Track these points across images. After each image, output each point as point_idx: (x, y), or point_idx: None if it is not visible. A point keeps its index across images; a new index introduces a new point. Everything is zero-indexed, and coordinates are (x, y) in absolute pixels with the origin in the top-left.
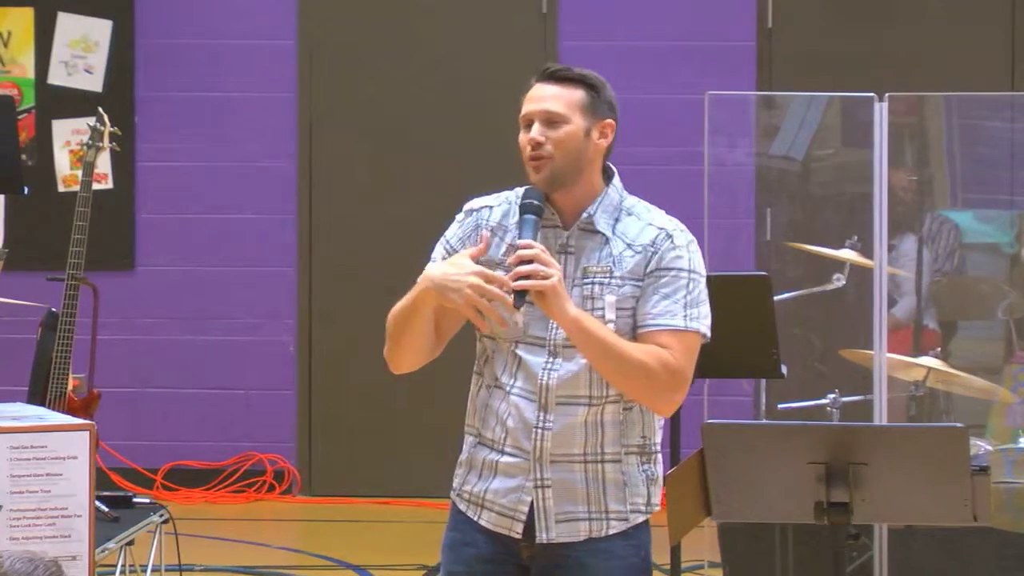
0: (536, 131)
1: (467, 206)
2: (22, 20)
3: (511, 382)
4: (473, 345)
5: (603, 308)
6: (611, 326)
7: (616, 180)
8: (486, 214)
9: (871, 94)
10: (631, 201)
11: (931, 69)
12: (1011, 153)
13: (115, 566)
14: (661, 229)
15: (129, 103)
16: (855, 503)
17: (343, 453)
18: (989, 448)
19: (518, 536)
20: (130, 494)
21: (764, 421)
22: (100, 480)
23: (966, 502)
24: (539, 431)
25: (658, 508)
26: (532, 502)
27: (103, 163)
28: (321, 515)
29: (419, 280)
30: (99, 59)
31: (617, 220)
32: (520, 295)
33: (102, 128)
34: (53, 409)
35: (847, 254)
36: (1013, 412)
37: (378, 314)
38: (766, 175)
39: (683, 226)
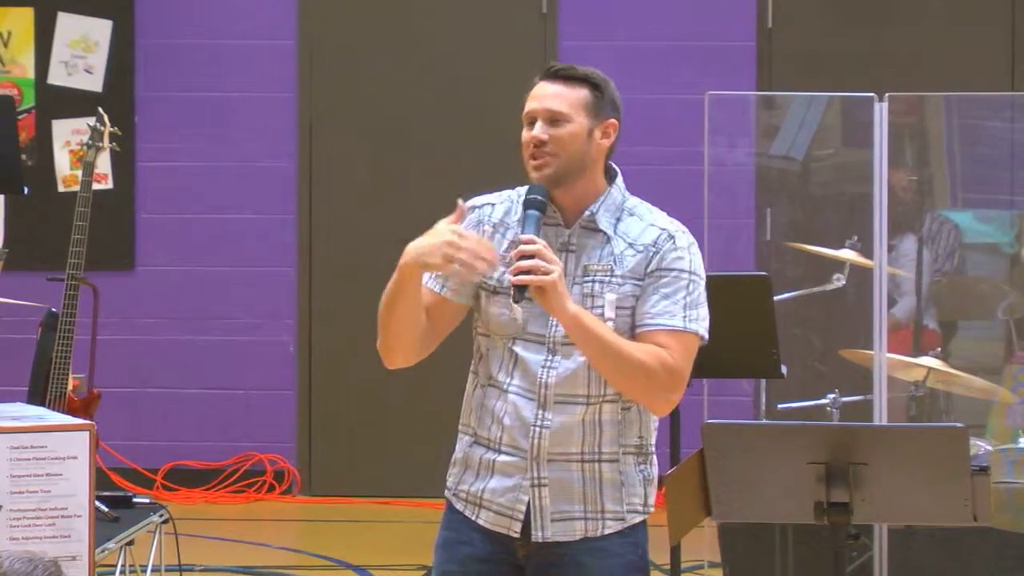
0: (539, 129)
1: (468, 203)
2: (22, 20)
3: (508, 380)
4: (471, 345)
5: (603, 306)
6: (610, 324)
7: (619, 180)
8: (488, 211)
9: (871, 94)
10: (633, 202)
11: (931, 69)
12: (1011, 153)
13: (115, 566)
14: (663, 230)
15: (129, 103)
16: (855, 503)
17: (343, 453)
18: (989, 448)
19: (516, 535)
20: (130, 494)
21: (764, 421)
22: (100, 480)
23: (966, 502)
24: (537, 429)
25: (654, 509)
26: (529, 501)
27: (103, 163)
28: (321, 515)
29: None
30: (99, 59)
31: (619, 220)
32: (520, 290)
33: (102, 128)
34: (53, 409)
35: (847, 254)
36: (1013, 412)
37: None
38: (766, 175)
39: (685, 228)
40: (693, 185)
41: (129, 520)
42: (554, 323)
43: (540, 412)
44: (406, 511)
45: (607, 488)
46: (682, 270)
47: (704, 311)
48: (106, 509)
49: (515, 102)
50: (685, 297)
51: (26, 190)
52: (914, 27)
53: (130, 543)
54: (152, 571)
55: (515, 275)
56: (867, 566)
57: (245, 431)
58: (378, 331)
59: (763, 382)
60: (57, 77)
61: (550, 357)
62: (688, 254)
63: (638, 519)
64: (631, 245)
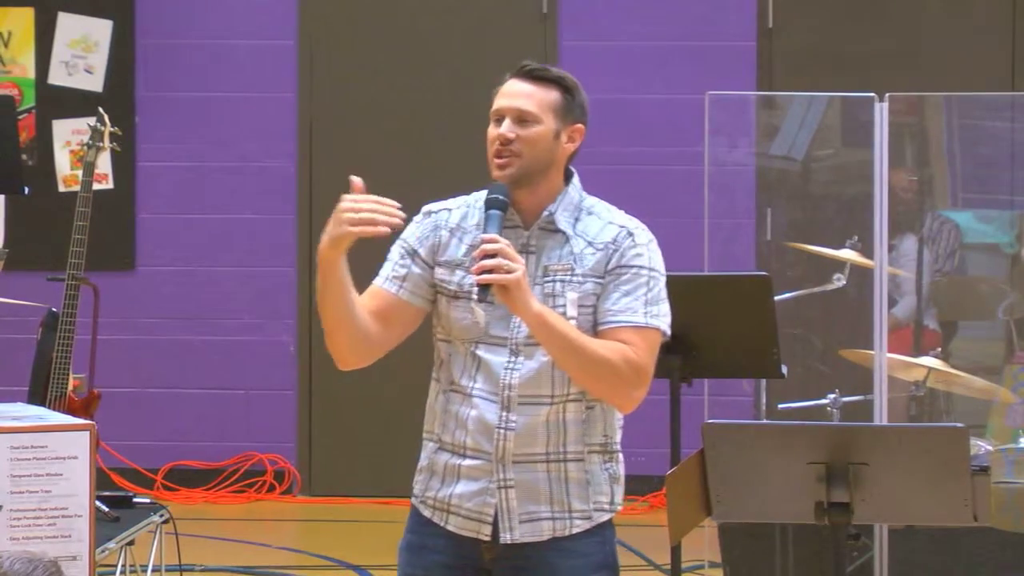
0: (507, 127)
1: (425, 208)
2: (22, 20)
3: (471, 384)
4: None
5: (564, 305)
6: (573, 323)
7: (576, 180)
8: (445, 216)
9: (871, 94)
10: (591, 201)
11: (931, 69)
12: (1011, 153)
13: (115, 566)
14: (622, 227)
15: (129, 103)
16: (855, 503)
17: (343, 453)
18: (989, 448)
19: (486, 539)
20: (130, 494)
21: (764, 421)
22: (100, 480)
23: (966, 502)
24: (501, 431)
25: (621, 507)
26: (496, 503)
27: (103, 163)
28: (321, 515)
29: None
30: (99, 59)
31: (577, 219)
32: (484, 289)
33: (102, 128)
34: (53, 409)
35: (847, 254)
36: (1013, 412)
37: None
38: (766, 175)
39: (644, 225)
40: (693, 185)
41: (129, 520)
42: (517, 324)
43: (504, 414)
44: (406, 511)
45: (573, 487)
46: (642, 267)
47: (665, 307)
48: (106, 509)
49: None
50: (646, 293)
51: (26, 190)
52: (914, 27)
53: (130, 543)
54: (152, 571)
55: (478, 274)
56: (867, 566)
57: (245, 431)
58: None
59: (763, 382)
60: (57, 77)
61: (513, 359)
62: (647, 250)
63: (605, 517)
64: (591, 244)
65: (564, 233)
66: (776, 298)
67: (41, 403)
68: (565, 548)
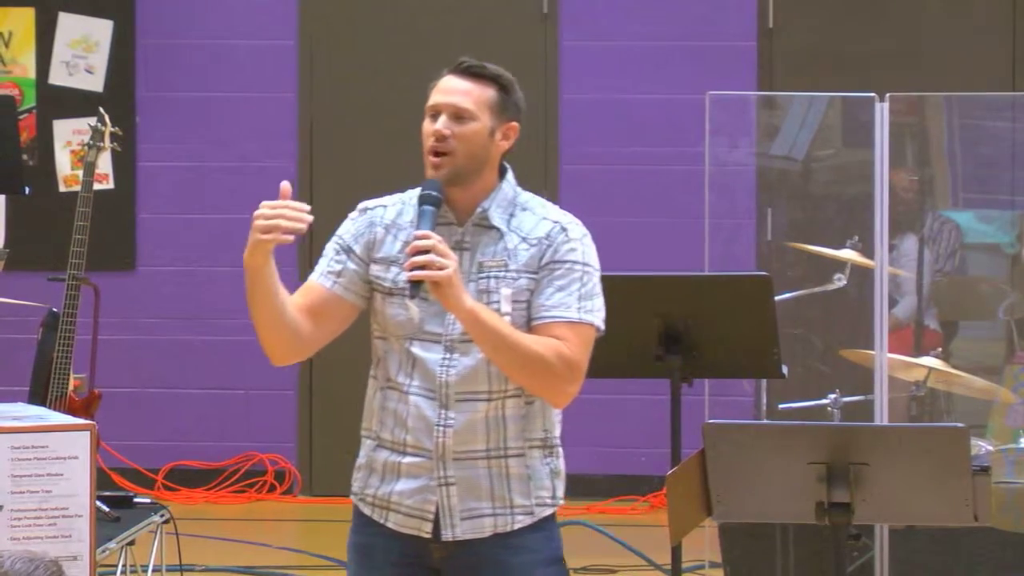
0: (442, 123)
1: (361, 205)
2: (23, 20)
3: (408, 382)
4: None
5: (499, 301)
6: (507, 319)
7: (510, 176)
8: (380, 213)
9: (872, 94)
10: (525, 196)
11: (931, 69)
12: (1012, 153)
13: (116, 566)
14: (556, 223)
15: (130, 103)
16: (856, 503)
17: (343, 453)
18: (990, 448)
19: (428, 536)
20: (131, 494)
21: (765, 421)
22: (101, 480)
23: (967, 502)
24: (441, 429)
25: (563, 502)
26: (437, 501)
27: (104, 163)
28: (321, 515)
29: None
30: (100, 59)
31: (512, 215)
32: (416, 285)
33: (103, 128)
34: (54, 409)
35: (848, 254)
36: (1014, 412)
37: None
38: (767, 175)
39: (577, 220)
40: (693, 185)
41: (130, 520)
42: (451, 321)
43: (442, 411)
44: None
45: (515, 483)
46: (575, 262)
47: (599, 302)
48: (107, 509)
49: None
50: (579, 289)
51: (27, 190)
52: (915, 27)
53: (131, 543)
54: (153, 571)
55: (410, 270)
56: (868, 566)
57: (246, 431)
58: None
59: (764, 382)
60: (58, 77)
61: (448, 355)
62: (581, 245)
63: (547, 512)
64: (524, 239)
65: (498, 229)
66: (777, 298)
67: (42, 403)
68: (511, 544)
